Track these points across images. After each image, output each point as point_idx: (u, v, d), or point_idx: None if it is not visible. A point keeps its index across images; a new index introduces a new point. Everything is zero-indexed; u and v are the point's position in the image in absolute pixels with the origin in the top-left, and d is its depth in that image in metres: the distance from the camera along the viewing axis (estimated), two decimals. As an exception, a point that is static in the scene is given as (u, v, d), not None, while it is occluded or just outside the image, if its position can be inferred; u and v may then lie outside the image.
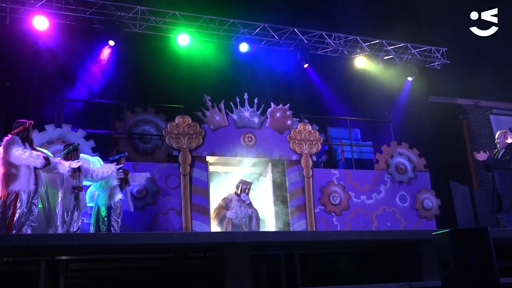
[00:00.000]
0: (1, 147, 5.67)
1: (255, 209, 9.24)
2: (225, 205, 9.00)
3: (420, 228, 10.10)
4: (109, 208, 7.28)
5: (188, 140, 9.21)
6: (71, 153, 6.79)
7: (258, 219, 9.21)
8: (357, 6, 11.89)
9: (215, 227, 8.95)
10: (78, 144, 7.11)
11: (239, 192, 9.17)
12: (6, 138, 5.75)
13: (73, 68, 9.75)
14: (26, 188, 5.60)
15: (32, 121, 6.07)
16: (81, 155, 7.45)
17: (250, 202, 9.20)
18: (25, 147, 5.69)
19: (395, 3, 12.64)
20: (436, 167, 11.51)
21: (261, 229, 9.18)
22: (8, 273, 4.57)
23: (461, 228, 8.37)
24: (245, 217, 8.97)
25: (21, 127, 5.85)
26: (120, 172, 7.45)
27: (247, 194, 9.23)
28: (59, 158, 6.65)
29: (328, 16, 12.01)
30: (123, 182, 7.67)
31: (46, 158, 5.85)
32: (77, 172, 6.66)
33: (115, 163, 7.54)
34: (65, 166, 6.16)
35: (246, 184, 9.27)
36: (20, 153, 5.55)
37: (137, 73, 10.33)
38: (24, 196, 5.58)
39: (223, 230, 8.44)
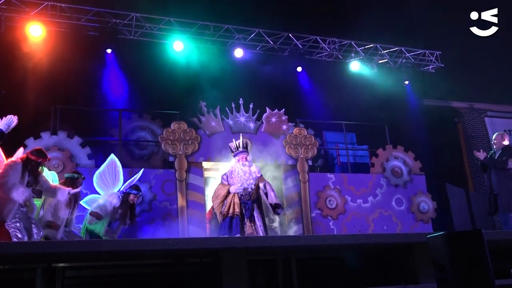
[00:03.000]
0: (3, 167, 5.58)
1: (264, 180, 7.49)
2: (227, 180, 7.32)
3: (417, 231, 10.13)
4: (97, 236, 7.06)
5: (184, 146, 9.23)
6: (72, 180, 6.58)
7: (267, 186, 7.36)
8: (351, 11, 11.95)
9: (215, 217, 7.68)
10: (84, 178, 6.87)
11: (240, 148, 7.41)
12: (10, 162, 5.63)
13: (68, 75, 9.76)
14: (6, 218, 5.49)
15: (48, 159, 5.90)
16: (91, 196, 7.54)
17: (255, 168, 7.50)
18: (22, 177, 5.58)
19: (389, 7, 12.70)
20: (431, 170, 11.55)
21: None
22: (4, 281, 4.57)
23: (457, 230, 8.40)
24: (251, 185, 7.15)
25: (37, 158, 5.70)
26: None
27: (246, 149, 7.50)
28: (56, 183, 6.54)
29: (322, 21, 12.07)
30: (128, 219, 7.46)
31: (37, 192, 5.73)
32: (72, 203, 6.49)
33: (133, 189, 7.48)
34: (64, 192, 5.98)
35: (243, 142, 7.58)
36: (10, 185, 5.43)
37: (132, 80, 10.36)
38: (12, 224, 5.49)
39: (226, 210, 6.96)
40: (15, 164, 5.57)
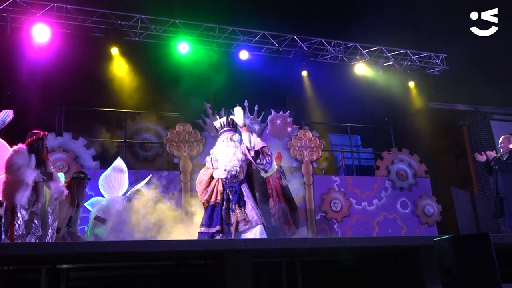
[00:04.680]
0: (8, 155, 5.65)
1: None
2: (211, 163, 6.36)
3: (422, 234, 10.10)
4: (101, 238, 7.11)
5: (189, 148, 9.23)
6: (78, 180, 6.62)
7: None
8: (356, 13, 11.93)
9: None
10: (89, 179, 6.88)
11: (225, 127, 6.38)
12: (15, 148, 5.71)
13: (73, 77, 9.78)
14: (19, 202, 5.52)
15: (46, 133, 5.98)
16: (96, 198, 7.50)
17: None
18: (30, 160, 5.64)
19: (394, 10, 12.68)
20: (436, 173, 11.52)
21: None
22: (9, 282, 4.56)
23: (463, 233, 8.35)
24: (235, 167, 6.14)
25: (34, 137, 5.78)
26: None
27: (232, 127, 6.40)
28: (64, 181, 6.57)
29: (328, 23, 12.05)
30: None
31: (48, 174, 5.78)
32: (75, 202, 6.52)
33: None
34: (59, 186, 5.91)
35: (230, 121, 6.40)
36: (17, 167, 5.49)
37: (137, 81, 10.36)
38: (20, 209, 5.53)
39: (208, 198, 6.09)
40: (20, 148, 5.66)
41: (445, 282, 4.09)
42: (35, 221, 5.71)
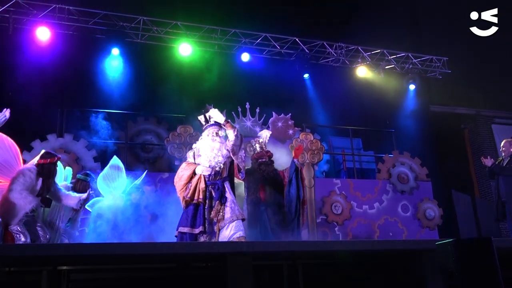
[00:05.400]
0: (16, 173, 5.59)
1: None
2: (193, 158, 6.17)
3: (423, 237, 10.07)
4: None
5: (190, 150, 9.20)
6: (84, 183, 6.61)
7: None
8: (357, 16, 11.93)
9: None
10: (95, 181, 6.91)
11: (210, 121, 6.30)
12: (23, 168, 5.63)
13: (75, 78, 9.79)
14: (10, 223, 5.47)
15: (59, 156, 5.94)
16: (95, 199, 7.51)
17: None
18: (36, 183, 5.57)
19: (396, 13, 12.69)
20: (438, 177, 11.50)
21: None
22: (10, 283, 4.55)
23: (463, 237, 8.33)
24: (220, 163, 6.04)
25: (48, 160, 5.69)
26: None
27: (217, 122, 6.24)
28: (69, 184, 6.55)
29: (329, 26, 12.06)
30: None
31: (46, 201, 5.76)
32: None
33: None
34: (74, 199, 6.00)
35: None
36: (18, 192, 5.44)
37: (139, 83, 10.37)
38: (14, 228, 5.48)
39: (190, 196, 5.90)
40: (29, 171, 5.56)
41: (447, 286, 4.08)
42: (38, 223, 5.71)
